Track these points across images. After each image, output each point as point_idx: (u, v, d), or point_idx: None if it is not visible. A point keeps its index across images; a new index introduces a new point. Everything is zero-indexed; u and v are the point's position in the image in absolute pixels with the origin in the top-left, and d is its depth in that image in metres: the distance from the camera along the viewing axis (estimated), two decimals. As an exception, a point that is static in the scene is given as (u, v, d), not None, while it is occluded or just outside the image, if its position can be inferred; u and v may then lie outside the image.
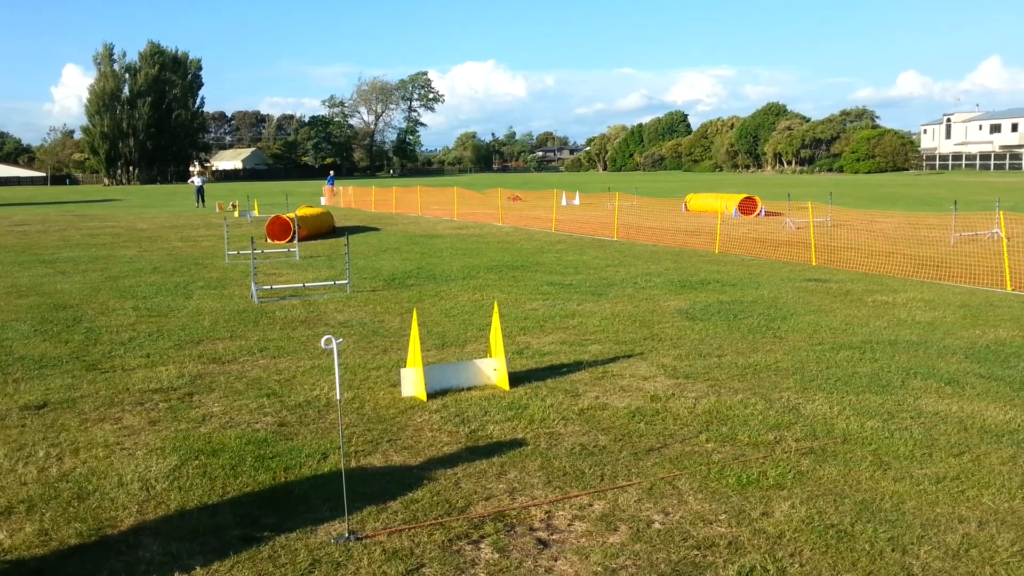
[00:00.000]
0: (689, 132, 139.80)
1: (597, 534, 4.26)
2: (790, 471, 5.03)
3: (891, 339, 8.57)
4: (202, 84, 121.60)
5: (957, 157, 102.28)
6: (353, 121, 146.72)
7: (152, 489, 4.87)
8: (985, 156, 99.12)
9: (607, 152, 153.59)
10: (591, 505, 4.62)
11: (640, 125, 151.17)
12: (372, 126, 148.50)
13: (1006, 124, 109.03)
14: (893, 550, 4.02)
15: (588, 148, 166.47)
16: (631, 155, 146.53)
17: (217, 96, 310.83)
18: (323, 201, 42.21)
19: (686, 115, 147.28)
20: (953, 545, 4.07)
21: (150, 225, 27.92)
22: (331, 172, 51.19)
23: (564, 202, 37.66)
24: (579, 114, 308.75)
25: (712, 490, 4.79)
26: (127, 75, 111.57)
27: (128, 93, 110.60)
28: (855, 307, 10.46)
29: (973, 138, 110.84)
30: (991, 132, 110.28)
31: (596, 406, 6.40)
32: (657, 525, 4.36)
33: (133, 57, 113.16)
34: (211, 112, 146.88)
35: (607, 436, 5.72)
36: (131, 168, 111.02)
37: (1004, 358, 7.69)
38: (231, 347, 8.62)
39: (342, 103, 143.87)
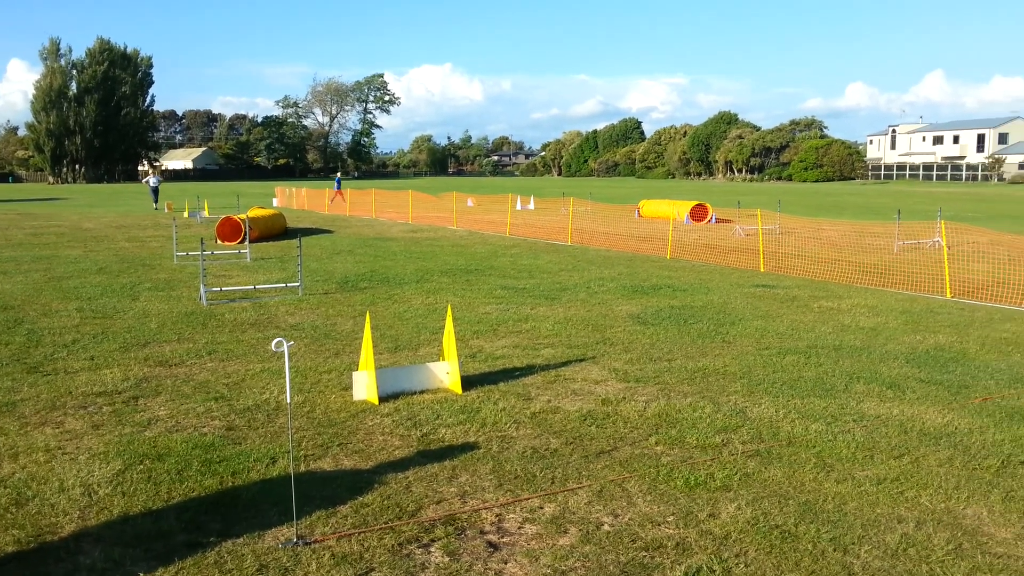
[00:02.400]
0: (643, 139, 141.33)
1: (547, 536, 4.29)
2: (736, 473, 5.12)
3: (835, 344, 8.78)
4: (152, 82, 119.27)
5: (901, 167, 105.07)
6: (307, 122, 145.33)
7: (95, 494, 4.76)
8: (928, 167, 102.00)
9: (562, 157, 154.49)
10: (542, 508, 4.65)
11: (595, 131, 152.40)
12: (327, 127, 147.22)
13: (948, 136, 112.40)
14: (835, 550, 4.12)
15: (544, 153, 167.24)
16: (586, 161, 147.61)
17: (168, 94, 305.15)
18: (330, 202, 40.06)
19: (640, 122, 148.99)
20: (892, 545, 4.18)
21: (96, 225, 27.27)
22: (338, 174, 48.26)
23: (519, 206, 37.76)
24: (535, 119, 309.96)
25: (661, 492, 4.85)
26: (74, 71, 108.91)
27: (75, 90, 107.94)
28: (801, 313, 10.69)
29: (917, 149, 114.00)
30: (934, 144, 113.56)
31: (548, 409, 6.44)
32: (607, 527, 4.40)
33: (81, 53, 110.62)
34: (161, 111, 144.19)
35: (558, 439, 5.76)
36: (77, 166, 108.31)
37: (943, 363, 7.92)
38: (178, 350, 8.47)
39: (296, 104, 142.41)
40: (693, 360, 8.05)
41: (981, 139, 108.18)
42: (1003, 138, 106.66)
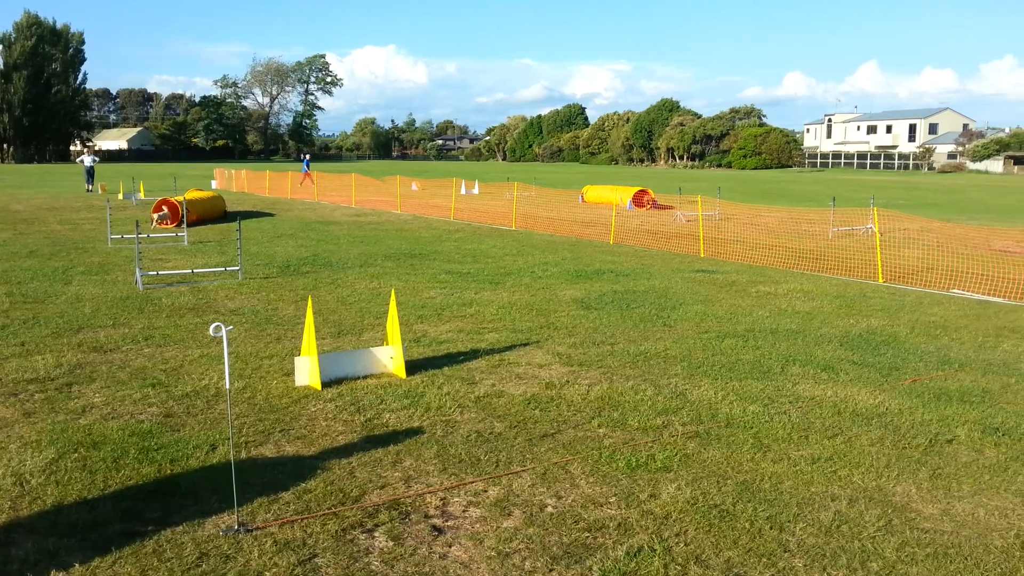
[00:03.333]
0: (587, 125, 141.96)
1: (491, 519, 4.32)
2: (677, 454, 5.22)
3: (772, 328, 8.99)
4: (84, 59, 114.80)
5: (837, 156, 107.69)
6: (247, 103, 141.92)
7: (27, 484, 4.62)
8: (862, 155, 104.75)
9: (507, 142, 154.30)
10: (486, 491, 4.67)
11: (540, 116, 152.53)
12: (267, 108, 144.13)
13: (881, 126, 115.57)
14: (771, 528, 4.24)
15: (488, 138, 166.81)
16: (530, 146, 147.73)
17: (101, 72, 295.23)
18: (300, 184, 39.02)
19: (584, 108, 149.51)
20: (826, 522, 4.32)
21: (26, 207, 26.29)
22: (306, 156, 46.69)
23: (463, 191, 37.63)
24: (480, 103, 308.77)
25: (603, 474, 4.92)
26: (1, 47, 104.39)
27: (2, 66, 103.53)
28: (740, 297, 10.91)
29: (851, 138, 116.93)
30: (868, 133, 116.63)
31: (492, 393, 6.46)
32: (550, 509, 4.45)
33: (7, 28, 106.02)
34: (94, 89, 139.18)
35: (503, 423, 5.78)
36: (6, 146, 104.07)
37: (875, 346, 8.19)
38: (114, 335, 8.25)
39: (235, 84, 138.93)
40: (635, 344, 8.15)
41: (913, 129, 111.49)
42: (933, 128, 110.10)
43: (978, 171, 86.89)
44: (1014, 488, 4.76)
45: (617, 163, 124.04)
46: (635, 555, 3.95)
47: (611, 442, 5.45)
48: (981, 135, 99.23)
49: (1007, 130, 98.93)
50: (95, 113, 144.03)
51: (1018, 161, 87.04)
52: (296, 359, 6.73)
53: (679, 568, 3.84)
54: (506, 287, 11.45)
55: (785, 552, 4.00)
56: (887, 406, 6.22)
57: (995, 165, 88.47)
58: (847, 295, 11.15)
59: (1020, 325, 9.21)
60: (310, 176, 40.05)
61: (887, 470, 5.01)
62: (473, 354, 7.67)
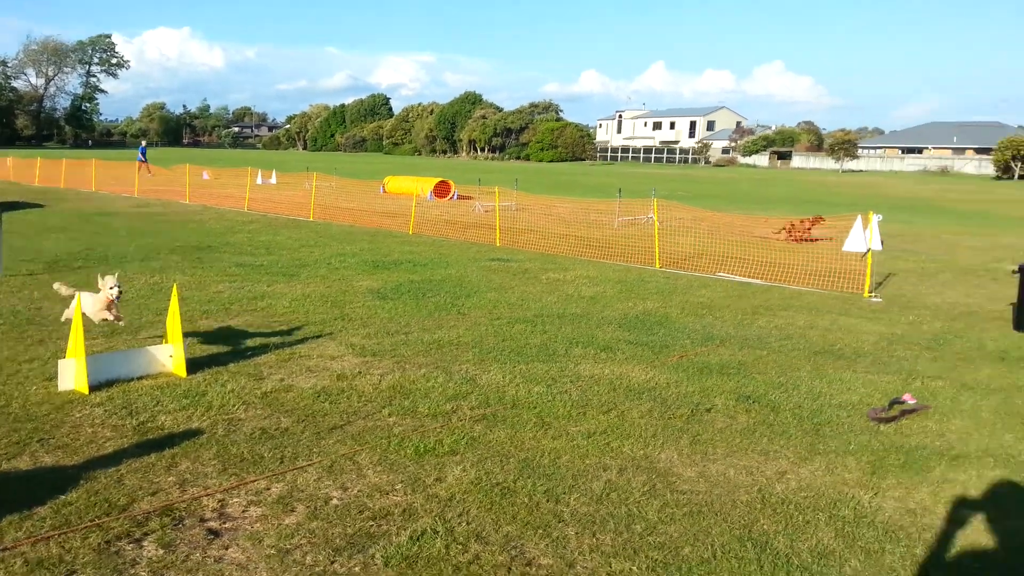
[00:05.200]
0: (391, 115, 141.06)
1: (272, 517, 4.23)
2: (464, 437, 5.36)
3: (560, 312, 9.42)
4: None
5: (626, 150, 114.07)
6: (17, 83, 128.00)
7: None
8: (648, 150, 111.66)
9: (308, 131, 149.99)
10: (269, 489, 4.56)
11: (343, 106, 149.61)
12: (41, 91, 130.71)
13: (666, 122, 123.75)
14: (548, 500, 4.47)
15: (288, 126, 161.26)
16: (333, 135, 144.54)
17: None
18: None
19: (388, 98, 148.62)
20: (597, 491, 4.61)
21: None
22: (143, 143, 41.99)
23: (260, 180, 36.19)
24: (281, 90, 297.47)
25: (391, 462, 4.95)
26: None
27: None
28: (531, 284, 11.33)
29: (639, 133, 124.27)
30: (654, 129, 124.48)
31: (280, 388, 6.31)
32: (335, 501, 4.42)
33: None
34: None
35: (290, 418, 5.67)
36: None
37: (649, 326, 8.80)
38: None
39: (5, 63, 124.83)
40: (429, 332, 8.25)
41: (693, 126, 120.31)
42: (711, 125, 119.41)
43: (748, 165, 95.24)
44: (759, 448, 5.32)
45: (420, 154, 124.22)
46: (418, 539, 4.02)
47: (401, 430, 5.50)
48: (751, 132, 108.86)
49: (773, 128, 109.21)
50: None
51: (782, 156, 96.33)
52: (60, 361, 6.20)
53: (460, 547, 3.96)
54: (301, 279, 11.18)
55: (560, 522, 4.23)
56: (656, 381, 6.72)
57: (762, 160, 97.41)
58: (627, 280, 11.89)
59: (772, 304, 10.25)
60: (147, 166, 37.33)
61: (654, 439, 5.42)
62: (262, 349, 7.43)
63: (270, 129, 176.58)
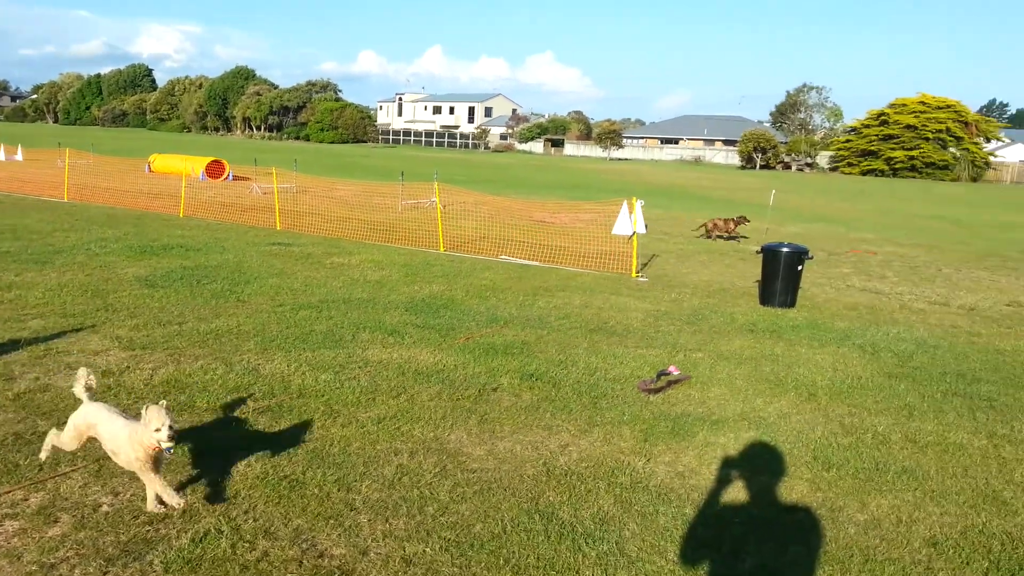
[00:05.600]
0: (155, 88, 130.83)
1: (33, 530, 3.84)
2: (248, 431, 5.15)
3: (345, 297, 9.27)
4: None
5: (408, 133, 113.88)
6: None
7: None
8: (429, 134, 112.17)
9: (59, 102, 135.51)
10: (27, 500, 4.13)
11: (99, 75, 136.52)
12: None
13: (445, 107, 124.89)
14: (339, 490, 4.41)
15: (36, 96, 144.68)
16: (88, 108, 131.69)
17: None
18: None
19: (151, 70, 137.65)
20: (389, 476, 4.62)
21: None
22: None
23: (3, 156, 32.32)
24: (25, 56, 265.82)
25: (168, 461, 4.65)
26: None
27: None
28: (315, 269, 11.05)
29: (420, 117, 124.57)
30: (434, 113, 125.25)
31: (36, 388, 5.71)
32: (105, 508, 4.09)
33: None
34: None
35: (48, 421, 5.14)
36: None
37: (436, 309, 8.90)
38: None
39: None
40: (206, 322, 7.81)
41: (471, 111, 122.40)
42: (489, 112, 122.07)
43: (524, 151, 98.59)
44: (543, 424, 5.57)
45: (190, 131, 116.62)
46: (201, 540, 3.82)
47: (178, 427, 5.16)
48: (526, 119, 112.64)
49: (547, 116, 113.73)
50: None
51: (555, 144, 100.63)
52: None
53: (247, 544, 3.81)
54: (55, 267, 10.13)
55: (352, 511, 4.19)
56: (444, 363, 6.83)
57: (537, 146, 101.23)
58: (413, 264, 11.93)
59: (551, 285, 10.73)
60: None
61: (443, 421, 5.51)
62: (12, 346, 6.67)
63: (13, 99, 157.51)
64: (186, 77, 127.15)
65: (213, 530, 3.91)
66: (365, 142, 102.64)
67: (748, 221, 17.35)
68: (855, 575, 3.85)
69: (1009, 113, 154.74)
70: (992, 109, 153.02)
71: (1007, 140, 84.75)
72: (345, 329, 7.81)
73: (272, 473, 4.55)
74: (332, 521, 4.07)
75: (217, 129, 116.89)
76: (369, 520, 4.11)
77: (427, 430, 5.34)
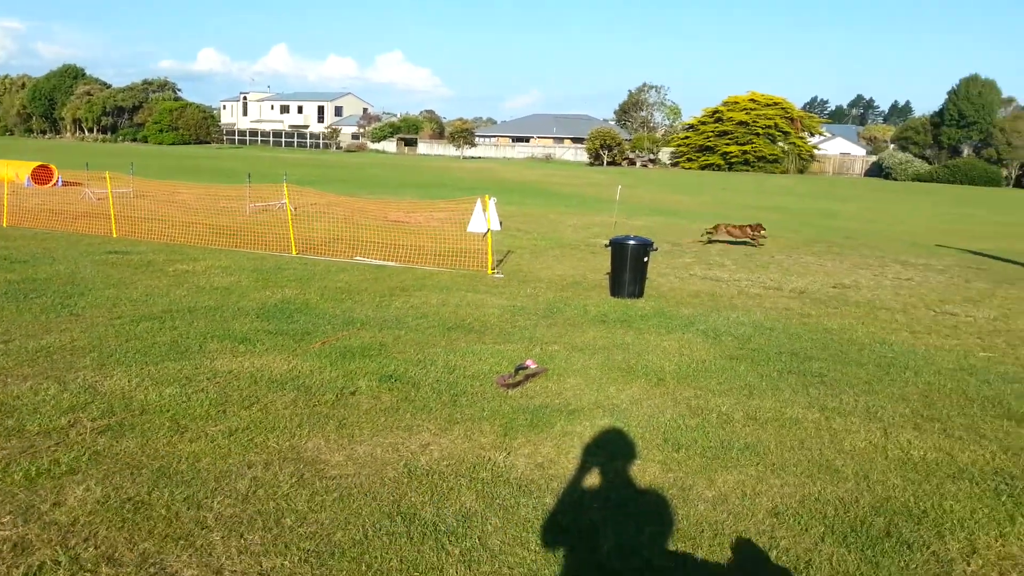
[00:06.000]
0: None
1: None
2: (85, 453, 4.81)
3: (191, 306, 8.84)
4: None
5: (254, 133, 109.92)
6: None
7: None
8: (277, 134, 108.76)
9: None
10: None
11: None
12: None
13: (293, 106, 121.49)
14: (189, 508, 4.20)
15: None
16: None
17: None
18: None
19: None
20: (243, 490, 4.44)
21: None
22: None
23: None
24: None
25: (-8, 492, 4.28)
26: None
27: None
28: (157, 277, 10.47)
29: (267, 117, 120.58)
30: (282, 112, 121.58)
31: None
32: (-81, 548, 3.71)
33: None
34: None
35: None
36: None
37: (289, 314, 8.64)
38: None
39: None
40: (35, 339, 7.23)
41: (321, 110, 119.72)
42: (339, 111, 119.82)
43: (377, 151, 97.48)
44: (403, 424, 5.53)
45: (13, 134, 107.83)
46: (35, 574, 3.54)
47: (5, 454, 4.76)
48: (378, 119, 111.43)
49: (398, 115, 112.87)
50: None
51: (408, 143, 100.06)
52: None
53: (89, 574, 3.57)
54: None
55: (203, 529, 4.00)
56: (299, 369, 6.64)
57: (390, 146, 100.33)
58: (264, 268, 11.53)
59: (408, 285, 10.66)
60: None
61: (299, 429, 5.36)
62: None
63: None
64: (6, 76, 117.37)
65: (49, 562, 3.63)
66: (209, 143, 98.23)
67: (764, 230, 16.49)
68: (706, 549, 4.06)
69: (829, 109, 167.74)
70: (814, 106, 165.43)
71: (828, 134, 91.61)
72: (191, 339, 7.44)
73: (114, 496, 4.27)
74: (182, 542, 3.87)
75: (44, 132, 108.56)
76: (223, 537, 3.94)
77: (283, 439, 5.18)
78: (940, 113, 74.00)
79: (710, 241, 16.67)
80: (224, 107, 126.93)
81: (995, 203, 42.03)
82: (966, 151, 71.69)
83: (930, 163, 71.43)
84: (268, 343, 7.42)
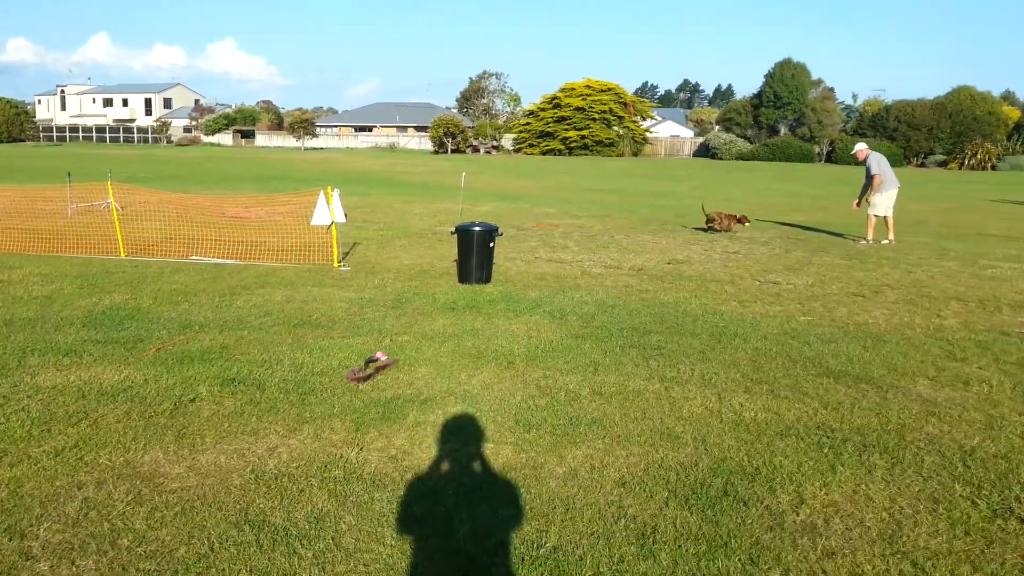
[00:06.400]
0: None
1: None
2: None
3: (6, 319, 8.13)
4: None
5: (74, 129, 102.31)
6: None
7: None
8: (100, 128, 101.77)
9: None
10: None
11: None
12: None
13: (118, 99, 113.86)
14: (11, 539, 3.88)
15: None
16: None
17: None
18: None
19: None
20: (73, 513, 4.15)
21: None
22: None
23: None
24: None
25: None
26: None
27: None
28: (-36, 291, 9.54)
29: (88, 111, 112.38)
30: (105, 106, 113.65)
31: None
32: None
33: None
34: None
35: None
36: None
37: (119, 321, 8.12)
38: None
39: None
40: None
41: (149, 103, 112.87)
42: (168, 103, 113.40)
43: (212, 144, 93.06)
44: (249, 429, 5.33)
45: None
46: None
47: None
48: (212, 110, 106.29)
49: (234, 106, 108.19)
50: None
51: (245, 135, 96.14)
52: None
53: None
54: None
55: (28, 560, 3.71)
56: (133, 379, 6.26)
57: (226, 138, 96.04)
58: (89, 273, 10.76)
59: (249, 283, 10.27)
60: None
61: (135, 443, 5.06)
62: None
63: None
64: None
65: None
66: (23, 141, 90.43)
67: (748, 222, 17.04)
68: (558, 524, 4.17)
69: (659, 94, 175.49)
70: (645, 90, 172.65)
71: (659, 118, 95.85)
72: (8, 355, 6.85)
73: (-80, 534, 3.88)
74: None
75: None
76: (51, 566, 3.66)
77: (116, 455, 4.87)
78: (759, 95, 78.97)
79: (711, 230, 16.87)
80: (39, 102, 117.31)
81: (809, 178, 45.44)
82: (783, 130, 77.02)
83: (751, 143, 76.24)
84: (96, 353, 6.94)
